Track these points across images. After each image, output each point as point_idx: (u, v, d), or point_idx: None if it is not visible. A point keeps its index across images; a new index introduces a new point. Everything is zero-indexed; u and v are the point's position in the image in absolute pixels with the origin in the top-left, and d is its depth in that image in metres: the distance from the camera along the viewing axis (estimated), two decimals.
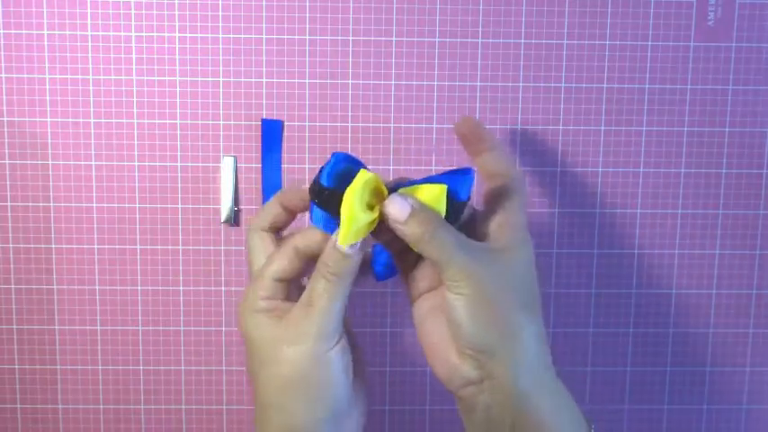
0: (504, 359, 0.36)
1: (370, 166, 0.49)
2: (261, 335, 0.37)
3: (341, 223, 0.35)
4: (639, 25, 0.49)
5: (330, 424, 0.37)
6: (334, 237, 0.36)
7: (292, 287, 0.38)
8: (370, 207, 0.35)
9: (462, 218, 0.37)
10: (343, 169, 0.35)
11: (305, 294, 0.36)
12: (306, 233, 0.38)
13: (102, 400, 0.51)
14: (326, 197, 0.35)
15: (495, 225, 0.38)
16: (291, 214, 0.39)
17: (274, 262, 0.37)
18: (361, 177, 0.34)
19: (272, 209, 0.39)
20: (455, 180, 0.36)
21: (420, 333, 0.39)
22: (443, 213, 0.35)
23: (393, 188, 0.36)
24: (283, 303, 0.37)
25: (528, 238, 0.38)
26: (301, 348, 0.35)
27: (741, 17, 0.49)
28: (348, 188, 0.34)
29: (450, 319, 0.36)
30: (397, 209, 0.35)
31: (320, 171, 0.36)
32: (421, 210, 0.35)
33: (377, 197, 0.36)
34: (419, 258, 0.39)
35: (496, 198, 0.39)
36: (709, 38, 0.49)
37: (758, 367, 0.52)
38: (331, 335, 0.36)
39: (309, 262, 0.38)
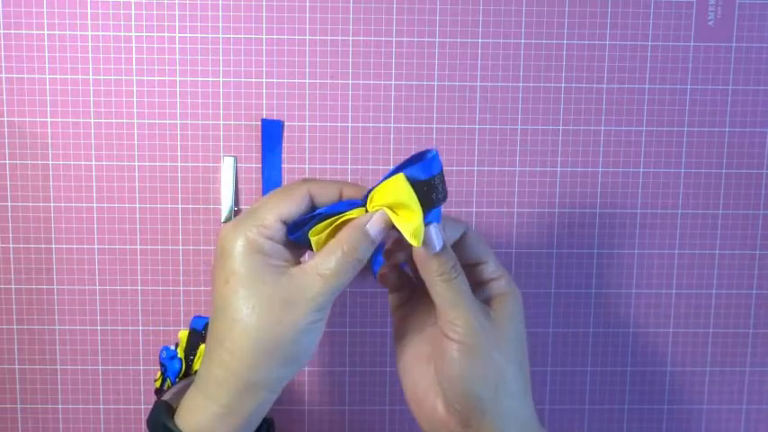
0: (494, 416, 0.35)
1: (369, 166, 0.49)
2: (257, 280, 0.34)
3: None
4: (639, 25, 0.49)
5: (282, 383, 0.36)
6: (362, 220, 0.35)
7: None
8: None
9: (443, 193, 0.35)
10: (300, 235, 0.36)
11: (316, 261, 0.35)
12: (323, 183, 0.37)
13: (102, 400, 0.51)
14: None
15: (483, 280, 0.38)
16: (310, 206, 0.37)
17: (284, 201, 0.35)
18: (313, 242, 0.36)
19: (332, 190, 0.37)
20: (415, 163, 0.35)
21: (404, 381, 0.38)
22: (414, 202, 0.34)
23: (365, 196, 0.36)
24: (285, 252, 0.36)
25: (515, 289, 0.38)
26: (297, 317, 0.34)
27: (741, 17, 0.49)
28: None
29: (442, 367, 0.36)
30: (434, 240, 0.35)
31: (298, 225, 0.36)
32: (449, 248, 0.36)
33: (342, 224, 0.36)
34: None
35: (471, 250, 0.38)
36: (709, 38, 0.49)
37: (758, 367, 0.52)
38: (326, 309, 0.35)
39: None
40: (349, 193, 0.37)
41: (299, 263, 0.36)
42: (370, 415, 0.52)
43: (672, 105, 0.49)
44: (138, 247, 0.49)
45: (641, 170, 0.50)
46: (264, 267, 0.35)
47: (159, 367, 0.48)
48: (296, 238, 0.36)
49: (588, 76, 0.49)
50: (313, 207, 0.36)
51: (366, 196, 0.36)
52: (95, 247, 0.49)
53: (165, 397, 0.38)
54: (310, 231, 0.35)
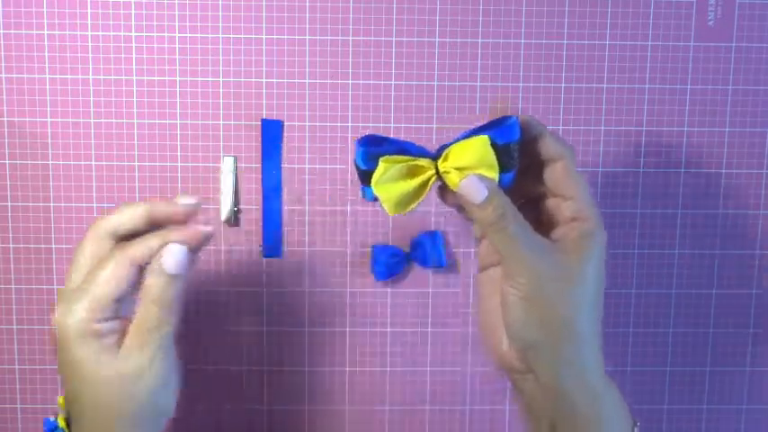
0: (550, 358, 0.35)
1: None
2: (94, 362, 0.36)
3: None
4: (639, 25, 0.49)
5: None
6: (157, 261, 0.36)
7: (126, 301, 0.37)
8: (411, 176, 0.36)
9: (517, 160, 0.36)
10: (372, 153, 0.36)
11: (135, 323, 0.36)
12: (138, 243, 0.37)
13: None
14: (366, 177, 0.36)
15: (565, 218, 0.37)
16: (149, 226, 0.38)
17: (112, 280, 0.36)
18: (379, 169, 0.36)
19: (135, 215, 0.38)
20: (496, 128, 0.35)
21: (479, 308, 0.39)
22: (494, 164, 0.35)
23: (438, 150, 0.36)
24: (119, 324, 0.37)
25: (597, 231, 0.36)
26: (143, 386, 0.36)
27: (741, 17, 0.49)
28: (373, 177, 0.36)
29: (503, 309, 0.36)
30: (473, 191, 0.35)
31: (356, 153, 0.37)
32: (497, 196, 0.35)
33: (410, 169, 0.36)
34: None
35: (558, 185, 0.37)
36: (709, 38, 0.49)
37: (758, 367, 0.52)
38: (167, 356, 0.36)
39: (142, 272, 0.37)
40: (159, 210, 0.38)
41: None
42: (369, 415, 0.52)
43: (672, 105, 0.49)
44: None
45: (641, 170, 0.50)
46: (100, 351, 0.36)
47: None
48: (364, 154, 0.36)
49: (588, 76, 0.49)
50: (136, 265, 0.37)
51: (439, 151, 0.36)
52: None
53: None
54: (383, 158, 0.35)
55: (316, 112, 0.49)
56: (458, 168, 0.35)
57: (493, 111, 0.38)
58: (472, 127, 0.36)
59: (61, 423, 0.46)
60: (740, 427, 0.52)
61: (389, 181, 0.36)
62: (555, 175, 0.37)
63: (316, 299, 0.50)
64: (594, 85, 0.49)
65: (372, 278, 0.50)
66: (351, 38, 0.48)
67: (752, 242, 0.51)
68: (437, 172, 0.36)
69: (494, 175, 0.35)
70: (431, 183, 0.37)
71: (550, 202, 0.38)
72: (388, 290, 0.50)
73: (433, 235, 0.49)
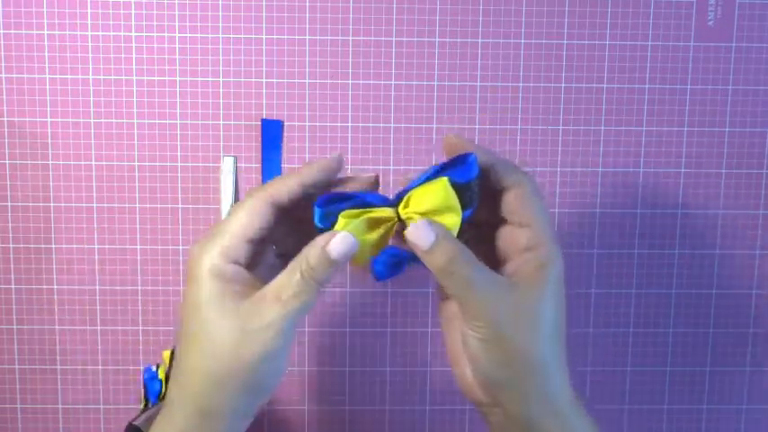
0: (515, 393, 0.35)
1: (369, 166, 0.49)
2: (217, 307, 0.34)
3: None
4: (639, 25, 0.49)
5: (248, 412, 0.35)
6: (324, 238, 0.34)
7: (257, 250, 0.36)
8: (372, 228, 0.35)
9: (477, 195, 0.35)
10: (330, 212, 0.35)
11: (276, 284, 0.34)
12: (277, 181, 0.35)
13: (102, 400, 0.51)
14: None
15: (520, 248, 0.36)
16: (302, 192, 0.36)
17: (248, 215, 0.34)
18: (339, 224, 0.35)
19: (291, 184, 0.36)
20: (455, 168, 0.35)
21: (444, 337, 0.38)
22: (456, 207, 0.34)
23: (398, 195, 0.36)
24: (248, 275, 0.35)
25: (552, 260, 0.35)
26: (256, 346, 0.33)
27: (741, 17, 0.49)
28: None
29: (464, 347, 0.35)
30: (420, 237, 0.34)
31: (314, 214, 0.35)
32: (445, 240, 0.34)
33: (371, 222, 0.35)
34: None
35: (513, 212, 0.36)
36: (709, 38, 0.49)
37: (758, 367, 0.52)
38: (288, 334, 0.34)
39: (280, 223, 0.36)
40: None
41: (260, 286, 0.35)
42: (370, 415, 0.52)
43: (672, 105, 0.49)
44: (138, 247, 0.49)
45: (641, 170, 0.50)
46: (225, 294, 0.34)
47: (142, 388, 0.48)
48: (321, 213, 0.35)
49: (588, 76, 0.49)
50: (275, 209, 0.35)
51: (399, 196, 0.35)
52: (95, 247, 0.49)
53: (138, 421, 0.38)
54: (341, 213, 0.35)
55: (316, 112, 0.49)
56: (420, 213, 0.35)
57: (447, 147, 0.38)
58: (428, 168, 0.36)
59: (161, 374, 0.47)
60: (740, 427, 0.52)
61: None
62: (509, 203, 0.36)
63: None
64: (594, 85, 0.49)
65: (372, 278, 0.50)
66: (351, 38, 0.48)
67: (752, 242, 0.51)
68: (399, 218, 0.35)
69: (457, 218, 0.34)
70: (393, 230, 0.36)
71: (506, 230, 0.37)
72: (388, 290, 0.50)
73: None
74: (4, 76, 0.47)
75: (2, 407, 0.50)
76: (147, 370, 0.47)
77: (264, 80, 0.48)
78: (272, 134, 0.48)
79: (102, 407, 0.51)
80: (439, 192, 0.34)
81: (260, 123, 0.48)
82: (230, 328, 0.33)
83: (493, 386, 0.35)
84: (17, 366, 0.50)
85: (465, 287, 0.34)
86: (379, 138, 0.49)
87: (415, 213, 0.35)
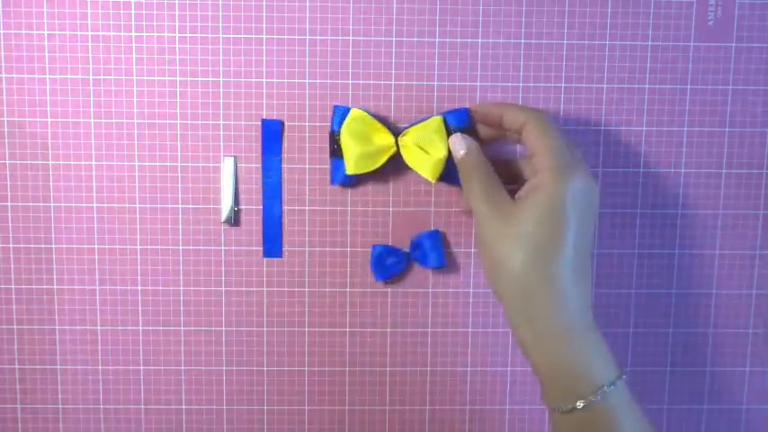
0: (508, 310, 0.40)
1: None
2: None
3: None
4: (639, 25, 0.49)
5: None
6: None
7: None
8: (374, 140, 0.46)
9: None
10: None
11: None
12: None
13: (102, 400, 0.51)
14: (338, 147, 0.47)
15: (529, 170, 0.44)
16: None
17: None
18: (350, 115, 0.46)
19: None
20: (452, 115, 0.45)
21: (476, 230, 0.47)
22: (444, 137, 0.45)
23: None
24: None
25: (547, 183, 0.39)
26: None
27: (741, 17, 0.49)
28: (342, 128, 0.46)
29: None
30: (456, 145, 0.44)
31: (332, 118, 0.47)
32: (474, 152, 0.43)
33: (374, 133, 0.46)
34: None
35: (528, 148, 0.41)
36: (709, 38, 0.49)
37: (758, 367, 0.52)
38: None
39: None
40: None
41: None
42: (370, 415, 0.52)
43: (672, 105, 0.49)
44: (138, 247, 0.49)
45: (641, 170, 0.50)
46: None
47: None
48: (342, 118, 0.46)
49: (588, 76, 0.49)
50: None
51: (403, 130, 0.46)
52: (95, 247, 0.49)
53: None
54: (355, 109, 0.46)
55: (316, 112, 0.49)
56: (415, 143, 0.45)
57: (479, 116, 0.46)
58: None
59: None
60: (740, 427, 0.52)
61: (355, 135, 0.45)
62: (523, 141, 0.42)
63: (316, 299, 0.50)
64: (594, 85, 0.49)
65: (372, 278, 0.50)
66: (351, 38, 0.48)
67: (752, 242, 0.51)
68: (397, 147, 0.46)
69: (444, 150, 0.45)
70: (390, 153, 0.46)
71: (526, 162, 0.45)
72: (388, 290, 0.50)
73: (433, 235, 0.49)
74: (4, 76, 0.47)
75: (2, 407, 0.50)
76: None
77: (264, 80, 0.48)
78: (272, 134, 0.48)
79: (102, 407, 0.51)
80: (432, 123, 0.45)
81: (260, 123, 0.48)
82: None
83: (494, 294, 0.41)
84: (17, 366, 0.50)
85: (473, 197, 0.41)
86: None
87: (412, 143, 0.45)
